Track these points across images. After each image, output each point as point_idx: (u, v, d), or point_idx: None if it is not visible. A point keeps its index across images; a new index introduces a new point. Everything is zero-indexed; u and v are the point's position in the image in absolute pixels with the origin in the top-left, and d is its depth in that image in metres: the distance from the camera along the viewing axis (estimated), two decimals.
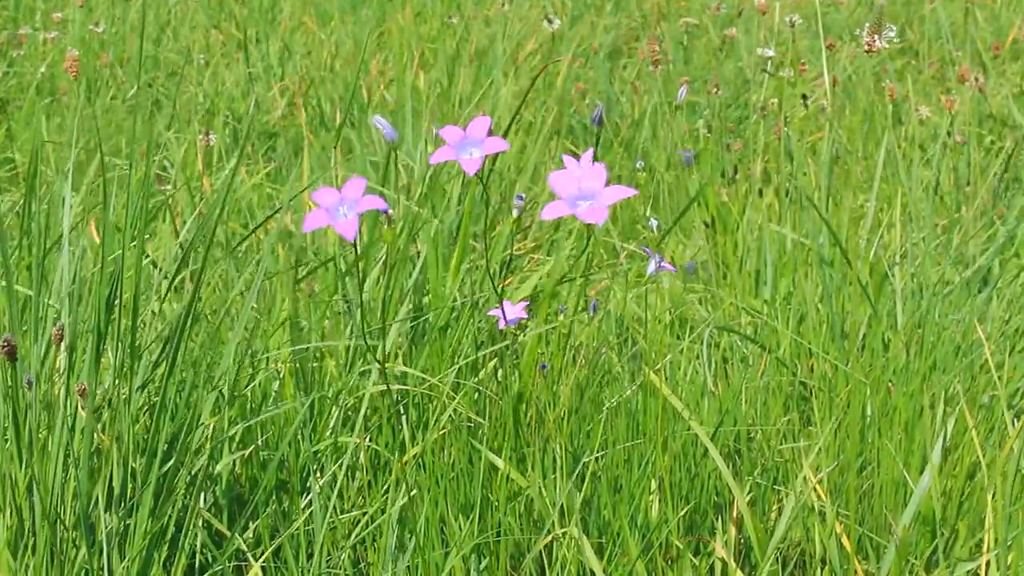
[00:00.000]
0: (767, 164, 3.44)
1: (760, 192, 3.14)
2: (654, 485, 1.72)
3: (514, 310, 1.76)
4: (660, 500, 1.71)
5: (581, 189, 1.23)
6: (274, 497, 1.71)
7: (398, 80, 4.24)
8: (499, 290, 1.69)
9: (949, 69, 4.27)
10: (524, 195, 1.66)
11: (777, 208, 2.95)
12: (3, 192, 3.40)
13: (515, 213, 1.62)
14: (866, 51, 1.90)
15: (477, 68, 4.22)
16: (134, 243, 1.63)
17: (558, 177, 1.25)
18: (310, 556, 1.58)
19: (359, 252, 1.49)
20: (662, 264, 1.97)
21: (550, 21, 4.55)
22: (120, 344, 1.61)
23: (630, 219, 3.24)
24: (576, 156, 1.71)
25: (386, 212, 1.72)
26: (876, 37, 1.92)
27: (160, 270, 1.93)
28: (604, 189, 1.23)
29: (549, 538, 1.57)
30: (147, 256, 2.20)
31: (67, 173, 1.71)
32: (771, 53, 3.71)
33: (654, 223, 2.59)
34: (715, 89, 3.68)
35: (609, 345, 2.20)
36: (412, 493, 1.61)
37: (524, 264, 2.82)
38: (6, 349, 1.49)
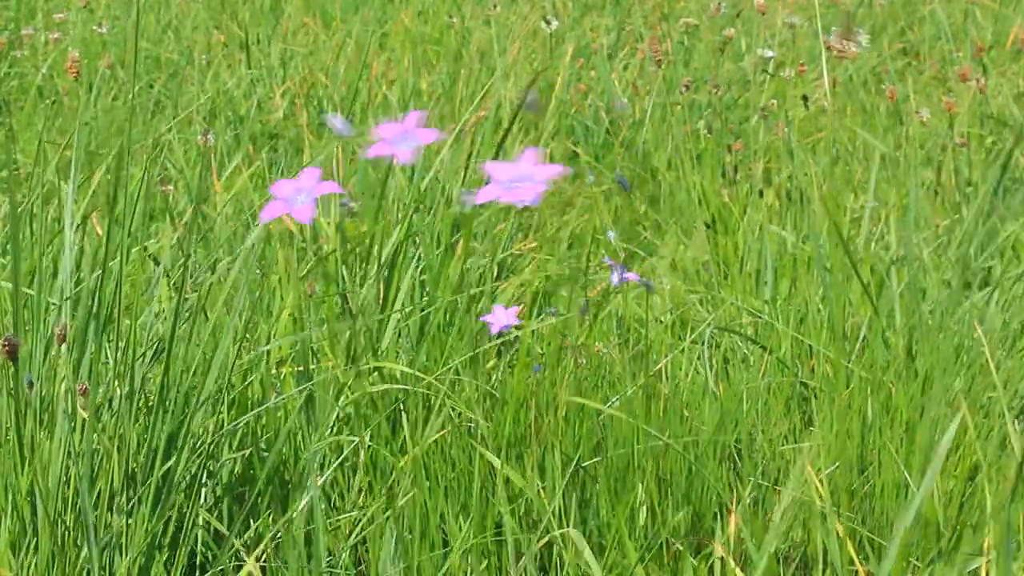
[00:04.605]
0: (768, 164, 3.44)
1: (761, 192, 3.14)
2: (654, 487, 1.72)
3: (505, 316, 1.74)
4: (660, 501, 1.71)
5: (517, 174, 1.21)
6: (274, 497, 1.71)
7: (400, 80, 4.24)
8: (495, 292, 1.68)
9: (949, 69, 4.27)
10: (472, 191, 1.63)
11: (778, 208, 2.95)
12: (5, 193, 3.39)
13: (466, 207, 1.60)
14: (837, 57, 1.88)
15: (479, 69, 4.22)
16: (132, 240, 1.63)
17: (494, 165, 1.23)
18: (310, 556, 1.58)
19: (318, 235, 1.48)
20: (625, 275, 1.94)
21: (548, 23, 4.55)
22: (119, 342, 1.61)
23: (630, 219, 3.24)
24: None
25: (346, 205, 1.73)
26: (847, 42, 1.88)
27: (160, 265, 1.93)
28: (539, 169, 1.21)
29: (547, 539, 1.57)
30: (147, 251, 2.20)
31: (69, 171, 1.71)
32: (771, 54, 3.71)
33: (611, 235, 2.55)
34: (716, 89, 3.68)
35: (609, 345, 2.19)
36: (412, 493, 1.61)
37: (526, 263, 2.82)
38: (7, 349, 1.46)
